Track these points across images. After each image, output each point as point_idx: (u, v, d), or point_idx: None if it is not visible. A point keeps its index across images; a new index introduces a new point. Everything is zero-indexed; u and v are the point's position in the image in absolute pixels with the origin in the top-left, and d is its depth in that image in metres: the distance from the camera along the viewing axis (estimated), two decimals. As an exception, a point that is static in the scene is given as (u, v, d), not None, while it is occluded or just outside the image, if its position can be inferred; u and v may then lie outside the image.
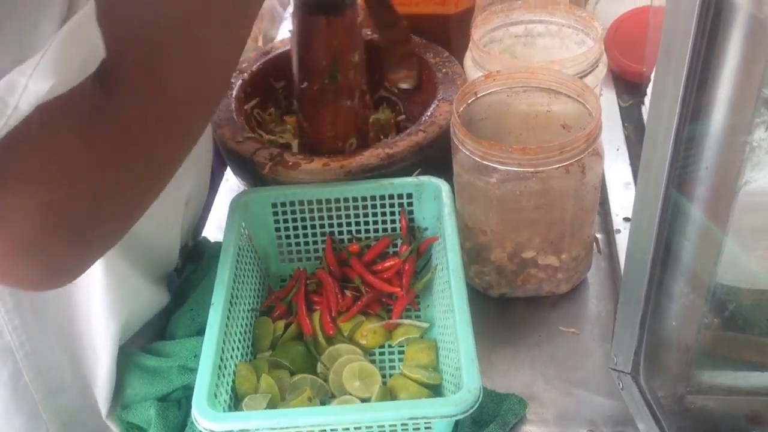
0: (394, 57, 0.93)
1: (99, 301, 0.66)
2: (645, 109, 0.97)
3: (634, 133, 0.97)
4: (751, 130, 0.50)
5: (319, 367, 0.70)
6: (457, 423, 0.66)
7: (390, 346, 0.74)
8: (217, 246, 0.76)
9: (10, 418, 0.66)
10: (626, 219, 0.84)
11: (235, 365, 0.67)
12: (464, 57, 0.86)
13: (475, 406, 0.58)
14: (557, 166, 0.68)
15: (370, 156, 0.79)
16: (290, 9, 1.37)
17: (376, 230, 0.80)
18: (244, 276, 0.73)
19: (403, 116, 0.97)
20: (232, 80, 0.91)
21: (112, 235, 0.52)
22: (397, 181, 0.78)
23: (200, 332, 0.70)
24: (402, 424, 0.60)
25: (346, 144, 0.85)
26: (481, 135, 0.71)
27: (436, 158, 0.81)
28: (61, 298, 0.66)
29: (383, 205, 0.78)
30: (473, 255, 0.77)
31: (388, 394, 0.67)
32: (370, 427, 0.60)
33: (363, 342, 0.73)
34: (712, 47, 0.48)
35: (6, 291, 0.62)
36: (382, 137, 0.92)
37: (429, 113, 0.85)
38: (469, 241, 0.77)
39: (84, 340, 0.68)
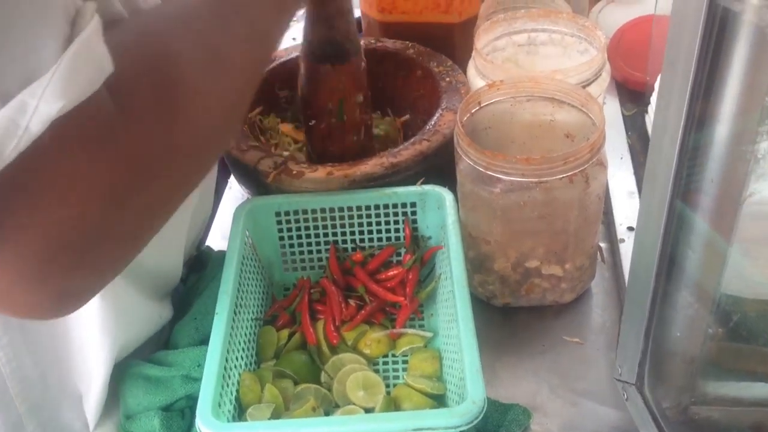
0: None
1: (94, 323, 0.65)
2: (648, 118, 0.97)
3: (638, 141, 0.97)
4: (756, 140, 0.50)
5: (323, 377, 0.70)
6: (460, 433, 0.66)
7: (394, 355, 0.74)
8: (221, 255, 0.76)
9: None
10: (630, 228, 0.84)
11: (239, 375, 0.67)
12: (467, 66, 0.86)
13: (480, 417, 0.58)
14: (561, 176, 0.68)
15: (374, 165, 0.79)
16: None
17: (379, 239, 0.80)
18: (247, 285, 0.73)
19: (408, 116, 0.97)
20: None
21: (121, 258, 0.51)
22: (401, 190, 0.78)
23: (204, 341, 0.70)
24: (406, 435, 0.60)
25: None
26: (485, 144, 0.71)
27: (439, 167, 0.81)
28: (52, 320, 0.65)
29: (387, 214, 0.78)
30: (477, 264, 0.77)
31: (392, 404, 0.67)
32: (374, 437, 0.60)
33: (367, 351, 0.73)
34: (716, 58, 0.48)
35: None
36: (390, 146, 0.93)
37: (433, 122, 0.85)
38: (472, 251, 0.77)
39: (77, 358, 0.67)
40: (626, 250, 0.82)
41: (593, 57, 0.80)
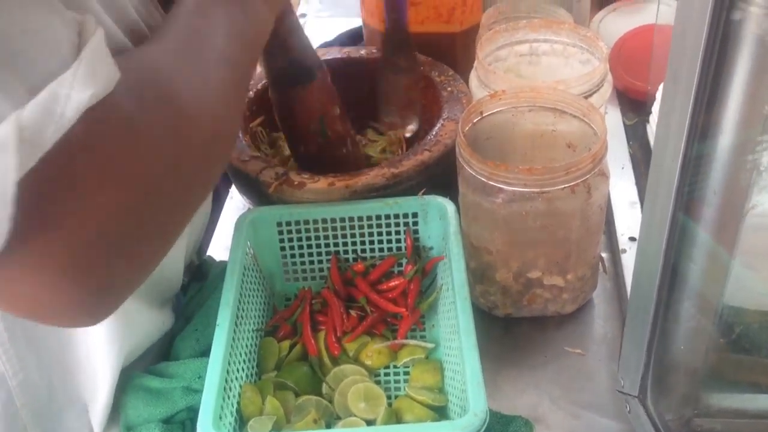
0: (397, 102, 0.95)
1: (98, 331, 0.66)
2: (650, 127, 0.97)
3: (639, 151, 0.97)
4: (759, 152, 0.50)
5: (324, 388, 0.70)
6: (462, 445, 0.65)
7: (395, 366, 0.73)
8: (222, 265, 0.76)
9: None
10: (632, 239, 0.84)
11: (240, 386, 0.67)
12: (469, 75, 0.87)
13: (482, 430, 0.58)
14: (563, 186, 0.68)
15: (375, 175, 0.79)
16: (298, 11, 1.39)
17: (381, 249, 0.80)
18: (249, 296, 0.73)
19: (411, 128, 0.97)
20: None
21: (156, 251, 0.53)
22: (403, 200, 0.78)
23: (205, 353, 0.70)
24: (408, 447, 0.60)
25: None
26: (487, 154, 0.71)
27: (441, 177, 0.81)
28: (57, 329, 0.65)
29: (388, 225, 0.78)
30: (478, 275, 0.77)
31: (394, 416, 0.66)
32: (376, 450, 0.60)
33: (368, 362, 0.73)
34: (719, 69, 0.48)
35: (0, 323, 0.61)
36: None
37: (434, 132, 0.85)
38: (474, 261, 0.77)
39: (82, 367, 0.68)
40: (628, 261, 0.82)
41: (595, 67, 0.80)
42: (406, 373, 0.72)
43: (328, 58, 0.99)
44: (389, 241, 0.79)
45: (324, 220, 0.78)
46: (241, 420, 0.65)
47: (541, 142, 0.79)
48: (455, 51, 1.01)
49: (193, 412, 0.69)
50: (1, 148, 0.40)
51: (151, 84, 0.51)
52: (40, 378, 0.65)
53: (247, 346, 0.70)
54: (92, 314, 0.51)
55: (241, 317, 0.70)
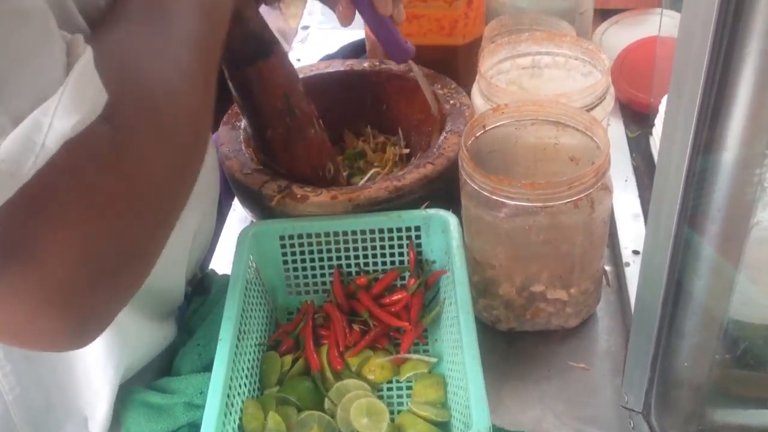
0: None
1: (97, 346, 0.65)
2: (653, 140, 0.97)
3: (642, 163, 0.97)
4: (764, 166, 0.50)
5: (327, 404, 0.70)
6: (466, 461, 0.65)
7: (398, 381, 0.73)
8: (225, 279, 0.76)
9: None
10: (635, 252, 0.84)
11: (242, 402, 0.66)
12: (472, 88, 0.86)
13: (485, 446, 0.57)
14: (566, 201, 0.68)
15: (378, 189, 0.79)
16: (300, 24, 1.39)
17: (384, 263, 0.79)
18: (251, 310, 0.73)
19: (407, 150, 0.97)
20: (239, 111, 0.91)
21: (139, 273, 0.51)
22: (405, 213, 0.77)
23: (207, 368, 0.69)
24: (411, 464, 0.60)
25: (326, 172, 0.85)
26: (489, 168, 0.71)
27: (444, 191, 0.81)
28: None
29: (391, 238, 0.78)
30: (481, 289, 0.77)
31: (397, 432, 0.66)
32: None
33: (371, 377, 0.72)
34: (723, 83, 0.47)
35: None
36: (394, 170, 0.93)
37: (437, 145, 0.85)
38: (477, 275, 0.76)
39: (81, 382, 0.67)
40: (631, 274, 0.82)
41: (597, 81, 0.80)
42: (409, 388, 0.72)
43: (331, 70, 0.99)
44: (392, 255, 0.79)
45: (327, 234, 0.78)
46: (243, 436, 0.65)
47: (544, 156, 0.79)
48: (458, 64, 1.01)
49: (194, 428, 0.68)
50: None
51: (128, 86, 0.49)
52: (37, 393, 0.65)
53: (249, 360, 0.70)
54: (77, 340, 0.50)
55: (244, 332, 0.69)
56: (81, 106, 0.43)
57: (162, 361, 0.76)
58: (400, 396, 0.72)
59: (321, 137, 0.86)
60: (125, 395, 0.70)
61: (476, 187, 0.70)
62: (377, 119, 1.00)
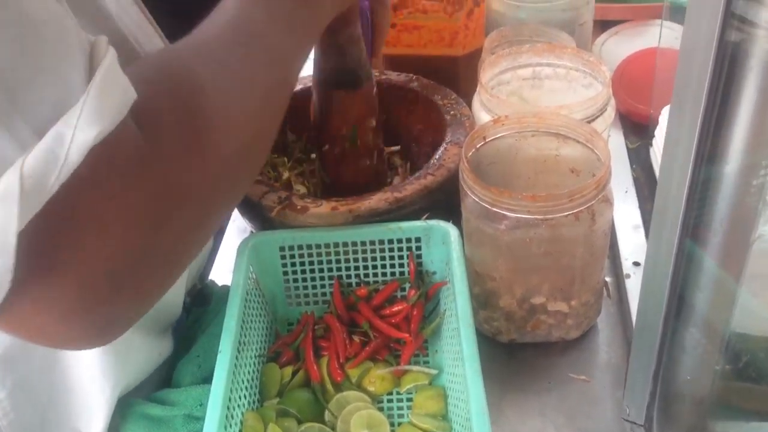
0: None
1: (93, 363, 0.65)
2: (653, 151, 0.97)
3: (642, 174, 0.97)
4: (766, 180, 0.50)
5: (327, 415, 0.69)
6: (466, 474, 0.65)
7: (398, 392, 0.73)
8: (225, 290, 0.76)
9: None
10: (636, 263, 0.83)
11: (242, 414, 0.66)
12: (472, 99, 0.86)
13: (486, 459, 0.57)
14: (567, 213, 0.68)
15: (378, 200, 0.79)
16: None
17: (384, 274, 0.79)
18: (251, 321, 0.73)
19: (408, 164, 0.97)
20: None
21: (161, 284, 0.51)
22: (406, 225, 0.77)
23: (206, 380, 0.69)
24: (411, 477, 0.59)
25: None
26: (490, 179, 0.71)
27: (444, 202, 0.80)
28: (49, 365, 0.65)
29: (391, 249, 0.78)
30: (482, 301, 0.77)
31: (397, 444, 0.66)
32: (379, 479, 0.59)
33: (371, 389, 0.72)
34: (726, 95, 0.47)
35: None
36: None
37: (437, 156, 0.85)
38: (477, 287, 0.76)
39: (77, 399, 0.67)
40: (632, 286, 0.81)
41: (598, 92, 0.80)
42: (410, 400, 0.72)
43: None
44: (392, 266, 0.79)
45: (327, 245, 0.77)
46: (243, 448, 0.65)
47: (545, 167, 0.79)
48: (458, 74, 1.01)
49: (194, 440, 0.68)
50: (4, 199, 0.39)
51: (176, 90, 0.49)
52: (33, 416, 0.65)
53: (249, 372, 0.70)
54: (99, 341, 0.51)
55: (244, 343, 0.69)
56: (104, 115, 0.42)
57: (161, 373, 0.76)
58: (400, 408, 0.72)
59: (376, 169, 0.88)
60: (125, 407, 0.69)
61: (477, 199, 0.70)
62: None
